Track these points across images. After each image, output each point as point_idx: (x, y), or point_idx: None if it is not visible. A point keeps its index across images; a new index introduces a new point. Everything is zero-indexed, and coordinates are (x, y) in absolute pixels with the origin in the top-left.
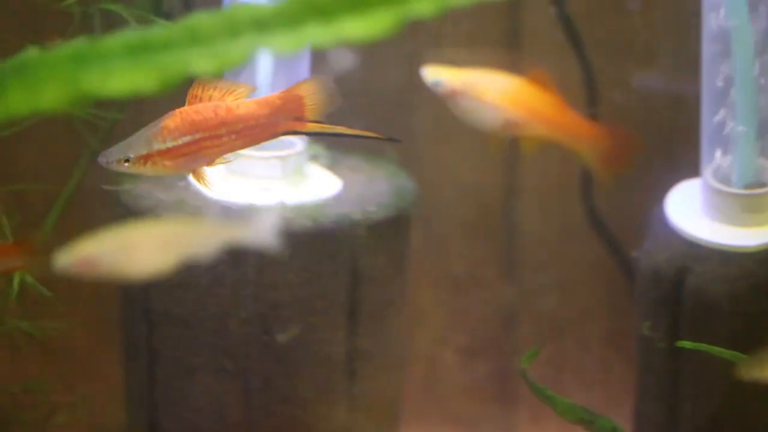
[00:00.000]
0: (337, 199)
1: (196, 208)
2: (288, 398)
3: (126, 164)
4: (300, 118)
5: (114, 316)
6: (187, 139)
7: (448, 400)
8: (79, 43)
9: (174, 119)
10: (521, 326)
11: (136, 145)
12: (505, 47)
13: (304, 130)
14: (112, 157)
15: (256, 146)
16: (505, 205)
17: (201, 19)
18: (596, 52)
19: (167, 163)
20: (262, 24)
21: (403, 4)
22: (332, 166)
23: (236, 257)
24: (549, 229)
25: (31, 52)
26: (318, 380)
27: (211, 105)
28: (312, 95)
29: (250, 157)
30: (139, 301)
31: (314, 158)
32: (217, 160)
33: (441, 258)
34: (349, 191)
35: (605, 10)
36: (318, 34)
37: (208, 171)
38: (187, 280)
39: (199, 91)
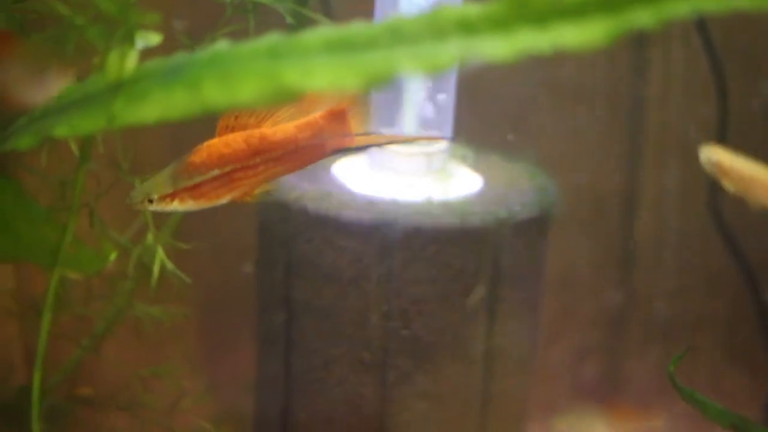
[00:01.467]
0: (481, 197)
1: (341, 201)
2: (424, 394)
3: (150, 204)
4: (347, 134)
5: (242, 304)
6: (215, 172)
7: (556, 399)
8: (274, 38)
9: (200, 154)
10: (632, 329)
11: (160, 183)
12: (633, 50)
13: (353, 146)
14: (136, 199)
15: (403, 142)
16: (624, 208)
17: (403, 19)
18: (731, 60)
19: (197, 198)
20: (470, 27)
21: (623, 13)
22: (474, 165)
23: (383, 252)
24: (667, 234)
25: (222, 45)
26: (455, 377)
27: (241, 135)
28: (356, 109)
29: (396, 153)
30: (278, 291)
31: (463, 158)
32: (259, 189)
33: (556, 257)
34: (492, 190)
35: (744, 18)
36: (531, 40)
37: (353, 164)
38: (331, 273)
39: (231, 121)
